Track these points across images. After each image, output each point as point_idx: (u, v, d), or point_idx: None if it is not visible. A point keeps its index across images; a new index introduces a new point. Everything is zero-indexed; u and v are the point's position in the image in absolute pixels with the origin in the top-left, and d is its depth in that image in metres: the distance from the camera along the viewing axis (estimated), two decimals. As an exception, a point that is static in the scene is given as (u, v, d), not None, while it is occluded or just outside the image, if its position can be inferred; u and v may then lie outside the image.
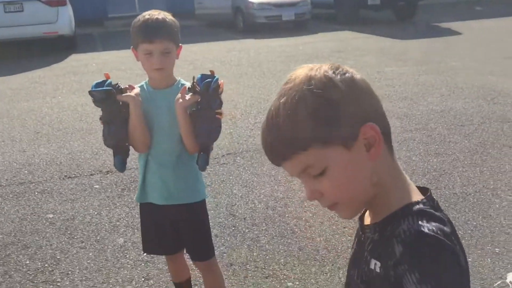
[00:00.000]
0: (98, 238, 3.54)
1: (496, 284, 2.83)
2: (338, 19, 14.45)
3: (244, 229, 3.57)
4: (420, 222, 0.90)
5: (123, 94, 2.14)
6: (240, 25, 14.00)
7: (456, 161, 4.58)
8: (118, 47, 11.60)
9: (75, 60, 10.78)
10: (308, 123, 0.91)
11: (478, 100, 6.49)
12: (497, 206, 3.72)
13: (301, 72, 0.97)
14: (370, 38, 11.86)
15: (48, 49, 11.61)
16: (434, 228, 0.88)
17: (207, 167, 2.25)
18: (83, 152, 5.16)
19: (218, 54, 10.82)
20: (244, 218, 3.71)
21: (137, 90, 2.19)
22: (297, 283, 2.92)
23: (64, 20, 11.29)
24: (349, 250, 1.09)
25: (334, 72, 0.94)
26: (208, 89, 2.11)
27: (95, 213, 3.91)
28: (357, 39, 11.85)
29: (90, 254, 3.32)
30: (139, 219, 3.69)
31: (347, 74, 0.95)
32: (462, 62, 8.94)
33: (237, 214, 3.79)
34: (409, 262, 0.86)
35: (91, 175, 4.65)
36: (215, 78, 2.14)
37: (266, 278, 2.99)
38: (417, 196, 0.98)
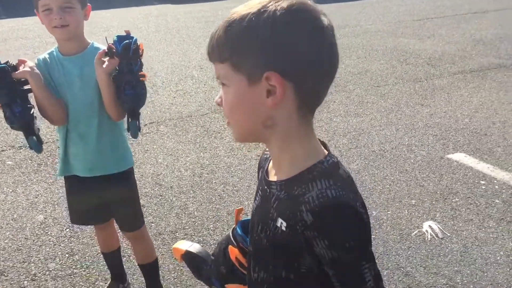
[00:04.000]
0: (15, 216, 3.33)
1: (413, 234, 3.02)
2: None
3: (171, 198, 3.52)
4: (326, 185, 0.93)
5: (17, 72, 1.95)
6: (156, -11, 13.49)
7: (374, 121, 4.78)
8: (23, 13, 10.77)
9: (-25, 29, 9.91)
10: (233, 42, 0.93)
11: (391, 61, 6.78)
12: (412, 161, 3.94)
13: None
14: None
15: None
16: (339, 191, 0.92)
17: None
18: (-9, 127, 4.80)
19: (135, 20, 10.39)
20: (171, 187, 3.66)
21: (31, 63, 2.00)
22: (227, 247, 2.94)
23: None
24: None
25: (286, 11, 0.90)
26: (128, 51, 1.97)
27: (10, 190, 3.68)
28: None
29: (8, 234, 3.13)
30: (60, 194, 3.56)
31: (300, 16, 0.91)
32: (376, 25, 9.26)
33: (163, 183, 3.72)
34: (318, 230, 0.91)
35: (2, 151, 4.35)
36: (134, 38, 2.01)
37: (196, 244, 2.98)
38: (322, 155, 1.00)
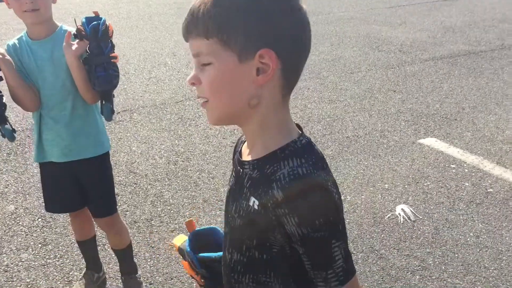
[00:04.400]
0: (-16, 207, 3.26)
1: (386, 217, 3.07)
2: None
3: (146, 186, 3.49)
4: (298, 163, 0.93)
5: None
6: (127, -25, 13.21)
7: (348, 107, 4.82)
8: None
9: None
10: (223, 16, 0.90)
11: (364, 48, 6.83)
12: (385, 146, 4.00)
13: None
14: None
15: None
16: (310, 169, 0.92)
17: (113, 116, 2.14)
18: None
19: (105, 6, 10.17)
20: (146, 175, 3.62)
21: (1, 50, 1.97)
22: (203, 233, 2.94)
23: None
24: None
25: None
26: (97, 33, 1.94)
27: (-21, 181, 3.59)
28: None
29: (-23, 225, 3.06)
30: (31, 183, 3.49)
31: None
32: (349, 13, 9.30)
33: (137, 171, 3.68)
34: (289, 207, 0.91)
35: (-30, 140, 4.23)
36: (102, 19, 1.97)
37: (172, 231, 2.98)
38: (296, 135, 1.00)
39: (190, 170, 3.69)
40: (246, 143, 1.08)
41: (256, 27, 0.91)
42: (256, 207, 0.96)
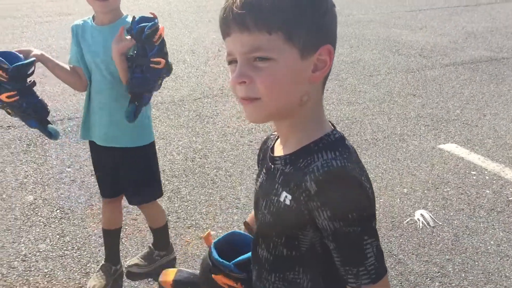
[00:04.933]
0: (4, 196, 3.28)
1: (405, 222, 3.04)
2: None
3: (163, 181, 3.47)
4: (332, 156, 0.91)
5: (32, 57, 1.97)
6: (147, -28, 13.27)
7: (366, 109, 4.78)
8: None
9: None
10: (292, 10, 0.87)
11: (384, 51, 6.78)
12: (404, 150, 3.95)
13: None
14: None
15: None
16: (345, 162, 0.91)
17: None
18: (-22, 106, 4.71)
19: (125, 2, 10.24)
20: (163, 170, 3.62)
21: (36, 51, 2.04)
22: (220, 231, 2.93)
23: None
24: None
25: None
26: (141, 35, 1.94)
27: (-2, 170, 3.62)
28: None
29: (-4, 214, 3.09)
30: (50, 175, 3.51)
31: None
32: (369, 15, 9.24)
33: (155, 166, 3.68)
34: (322, 200, 0.89)
35: (-10, 130, 4.28)
36: (152, 22, 1.96)
37: (189, 228, 2.97)
38: (329, 129, 0.99)
39: (207, 167, 3.68)
40: (278, 139, 1.07)
41: (317, 22, 0.90)
42: (287, 202, 0.94)
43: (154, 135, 2.38)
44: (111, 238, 2.53)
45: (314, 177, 0.90)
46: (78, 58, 2.16)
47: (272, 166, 1.02)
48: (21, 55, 1.94)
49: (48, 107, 2.10)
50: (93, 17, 2.17)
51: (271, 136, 1.14)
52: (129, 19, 2.06)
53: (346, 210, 0.89)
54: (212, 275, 1.13)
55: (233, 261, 1.12)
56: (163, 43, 2.01)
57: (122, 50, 1.99)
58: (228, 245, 1.17)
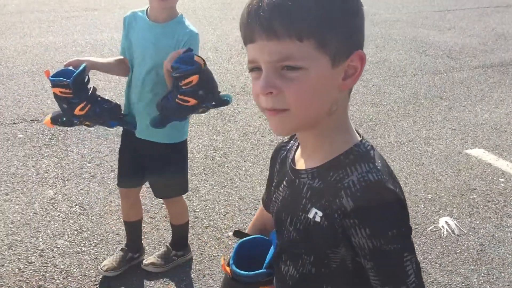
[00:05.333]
0: (24, 190, 3.30)
1: (429, 229, 2.94)
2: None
3: (182, 179, 3.46)
4: (367, 169, 0.86)
5: (83, 64, 2.02)
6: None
7: (391, 111, 4.68)
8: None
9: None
10: (323, 13, 0.82)
11: (410, 52, 6.64)
12: (429, 154, 3.85)
13: None
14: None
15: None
16: (381, 175, 0.85)
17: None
18: (3, 99, 4.75)
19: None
20: (182, 168, 3.60)
21: (81, 58, 2.09)
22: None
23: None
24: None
25: None
26: (174, 71, 1.98)
27: (20, 164, 3.64)
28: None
29: (17, 207, 3.10)
30: (70, 170, 3.52)
31: None
32: (395, 15, 9.08)
33: (174, 164, 3.66)
34: (359, 217, 0.84)
35: (14, 123, 4.31)
36: (190, 67, 1.94)
37: (206, 228, 2.94)
38: (357, 138, 0.93)
39: (227, 166, 3.64)
40: (299, 150, 1.00)
41: (349, 26, 0.85)
42: (317, 219, 0.89)
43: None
44: (131, 229, 2.59)
45: (351, 193, 0.84)
46: (125, 50, 2.23)
47: (296, 180, 0.96)
48: (71, 67, 2.00)
49: (117, 102, 2.18)
50: (147, 10, 2.18)
51: (286, 146, 1.07)
52: (183, 21, 2.13)
53: (386, 227, 0.84)
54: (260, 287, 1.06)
55: (264, 266, 1.05)
56: (200, 86, 1.98)
57: (166, 68, 2.02)
58: (243, 257, 1.11)
